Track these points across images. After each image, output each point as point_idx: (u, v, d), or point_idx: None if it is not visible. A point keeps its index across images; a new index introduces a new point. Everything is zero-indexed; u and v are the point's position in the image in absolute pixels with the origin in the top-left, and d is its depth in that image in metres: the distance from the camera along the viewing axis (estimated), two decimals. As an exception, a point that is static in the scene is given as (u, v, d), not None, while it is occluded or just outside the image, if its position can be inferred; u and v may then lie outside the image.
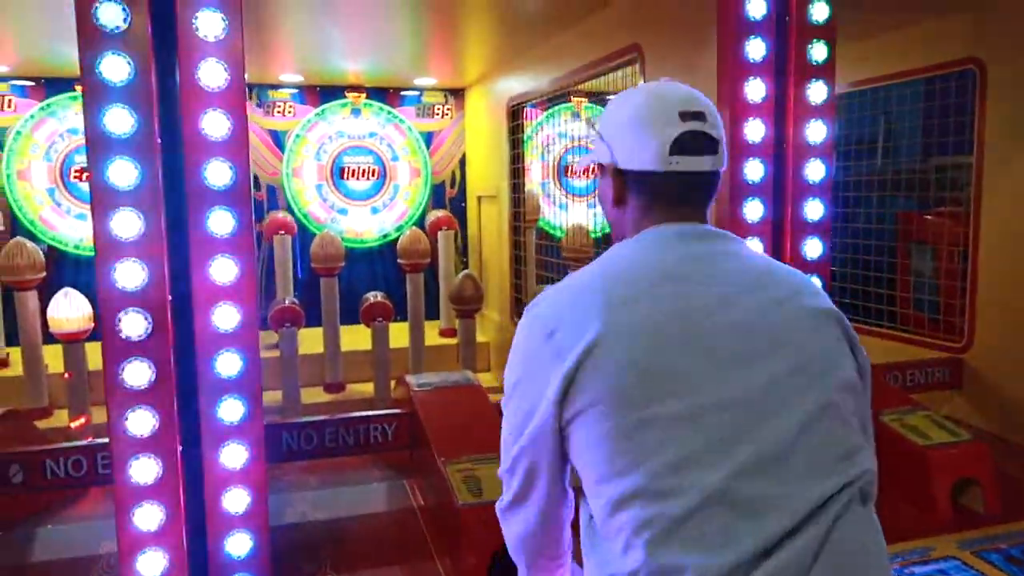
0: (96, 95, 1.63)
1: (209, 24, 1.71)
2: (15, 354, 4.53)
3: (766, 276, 1.14)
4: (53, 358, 4.22)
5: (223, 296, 1.77)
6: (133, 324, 1.69)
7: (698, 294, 1.08)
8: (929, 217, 4.08)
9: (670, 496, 0.97)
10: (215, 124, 1.73)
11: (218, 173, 1.74)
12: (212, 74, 1.72)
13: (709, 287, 1.09)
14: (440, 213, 6.03)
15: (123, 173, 1.66)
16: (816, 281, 1.26)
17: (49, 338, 4.09)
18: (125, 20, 1.64)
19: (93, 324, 3.93)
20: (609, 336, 1.03)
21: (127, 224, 1.67)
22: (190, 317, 1.75)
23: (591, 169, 1.29)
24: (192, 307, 1.76)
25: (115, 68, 1.63)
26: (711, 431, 0.99)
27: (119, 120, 1.65)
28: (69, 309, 3.92)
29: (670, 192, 1.18)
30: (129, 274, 1.68)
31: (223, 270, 1.76)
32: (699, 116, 1.16)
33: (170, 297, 1.73)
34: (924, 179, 4.03)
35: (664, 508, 0.96)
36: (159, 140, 1.70)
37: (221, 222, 1.75)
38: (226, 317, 1.77)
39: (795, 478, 0.99)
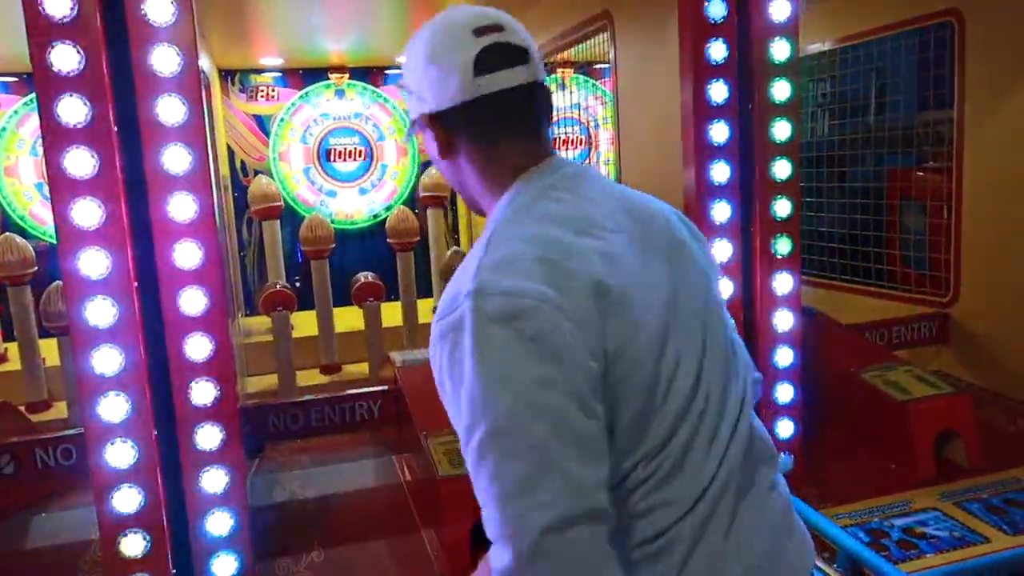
0: (47, 85, 1.64)
1: (158, 9, 1.71)
2: (12, 349, 4.58)
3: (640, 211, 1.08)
4: (49, 351, 4.27)
5: (188, 280, 1.78)
6: (100, 311, 1.71)
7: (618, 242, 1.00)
8: (918, 173, 4.06)
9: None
10: (170, 109, 1.74)
11: (176, 158, 1.75)
12: (164, 60, 1.72)
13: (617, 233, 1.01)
14: (429, 181, 6.00)
15: (80, 162, 1.67)
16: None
17: (45, 332, 4.13)
18: (73, 9, 1.64)
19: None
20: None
21: (88, 213, 1.68)
22: (157, 302, 1.77)
23: (415, 134, 1.14)
24: (158, 292, 1.78)
25: (65, 58, 1.64)
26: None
27: (73, 110, 1.65)
28: (62, 302, 3.95)
29: (494, 120, 1.05)
30: (93, 262, 1.70)
31: (187, 254, 1.78)
32: (495, 28, 1.04)
33: (136, 283, 1.75)
34: (913, 134, 4.01)
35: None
36: (115, 128, 1.70)
37: (182, 207, 1.76)
38: (192, 301, 1.79)
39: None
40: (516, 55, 1.05)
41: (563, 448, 0.85)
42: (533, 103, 1.08)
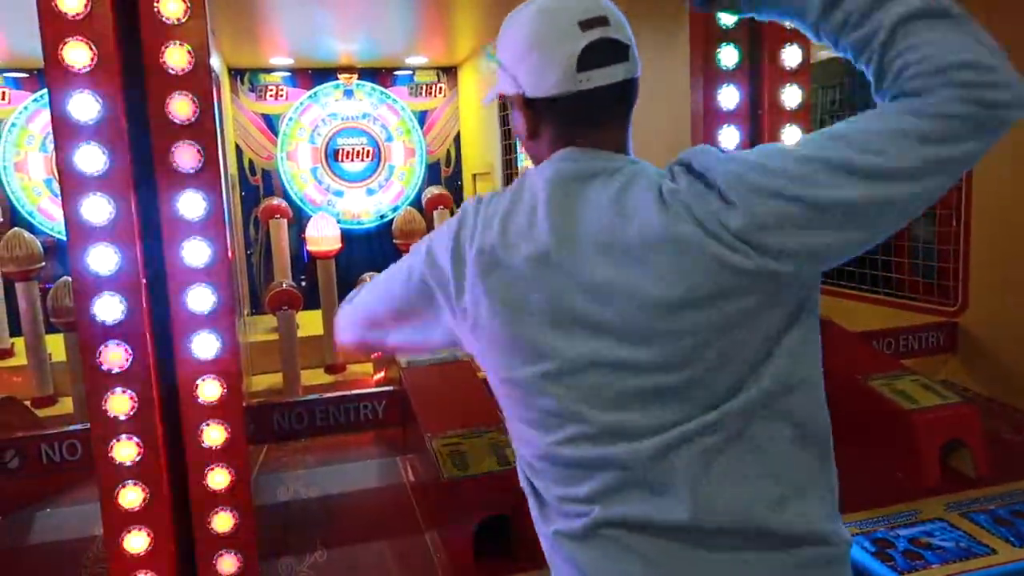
0: (59, 82, 1.64)
1: (171, 7, 1.71)
2: (19, 344, 4.59)
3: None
4: (56, 347, 4.28)
5: (197, 278, 1.78)
6: (108, 308, 1.71)
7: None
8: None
9: None
10: (182, 107, 1.74)
11: (187, 156, 1.75)
12: (177, 57, 1.72)
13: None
14: (436, 190, 6.03)
15: (91, 158, 1.67)
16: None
17: (51, 327, 4.15)
18: (86, 6, 1.64)
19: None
20: None
21: (97, 209, 1.69)
22: (165, 300, 1.77)
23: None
24: (167, 290, 1.78)
25: (78, 54, 1.64)
26: None
27: (84, 106, 1.66)
28: (70, 298, 3.97)
29: (586, 113, 1.06)
30: (102, 259, 1.70)
31: (196, 252, 1.78)
32: (601, 21, 1.03)
33: (144, 280, 1.75)
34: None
35: None
36: (126, 125, 1.71)
37: (192, 204, 1.76)
38: (201, 299, 1.79)
39: None
40: (618, 52, 1.04)
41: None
42: (627, 99, 1.09)
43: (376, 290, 1.37)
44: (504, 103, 1.17)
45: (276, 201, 5.79)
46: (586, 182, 1.05)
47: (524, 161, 5.50)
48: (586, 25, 1.02)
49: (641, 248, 0.99)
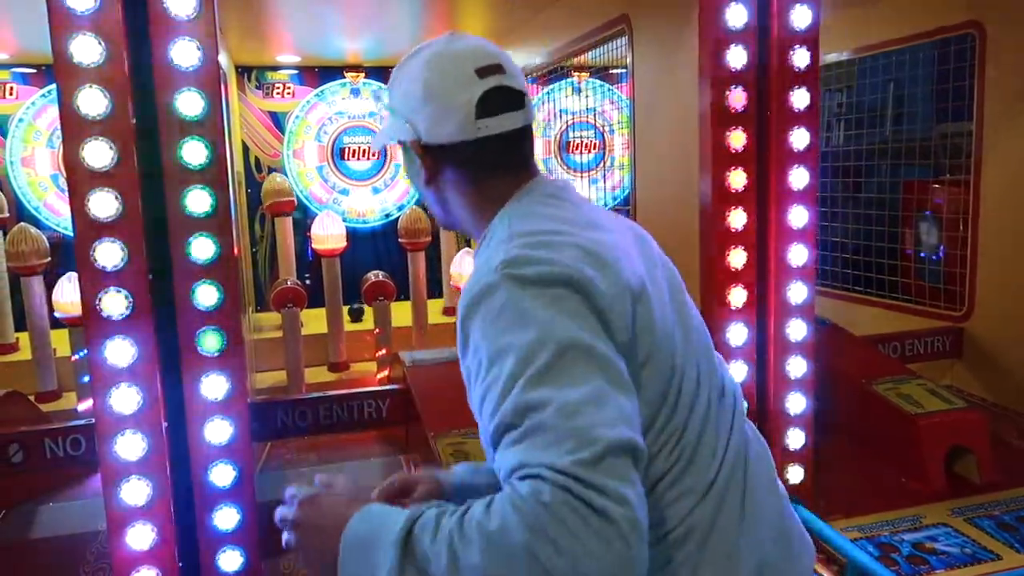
0: (68, 76, 1.64)
1: (180, 3, 1.71)
2: (24, 338, 4.60)
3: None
4: (60, 342, 4.29)
5: (203, 274, 1.78)
6: (114, 303, 1.71)
7: None
8: (934, 185, 4.04)
9: None
10: (189, 103, 1.74)
11: (194, 152, 1.75)
12: (185, 54, 1.73)
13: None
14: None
15: (98, 154, 1.67)
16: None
17: (56, 322, 4.16)
18: (95, 1, 1.65)
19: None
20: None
21: (104, 204, 1.69)
22: (171, 295, 1.77)
23: (386, 148, 1.17)
24: (173, 285, 1.78)
25: (86, 49, 1.64)
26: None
27: (92, 101, 1.66)
28: (74, 293, 3.99)
29: (488, 160, 1.07)
30: (108, 254, 1.70)
31: (202, 248, 1.78)
32: (497, 69, 1.04)
33: (150, 276, 1.75)
34: (930, 147, 3.98)
35: None
36: (134, 120, 1.71)
37: (199, 201, 1.76)
38: (206, 295, 1.79)
39: None
40: (515, 99, 1.06)
41: (611, 386, 0.83)
42: (526, 143, 1.10)
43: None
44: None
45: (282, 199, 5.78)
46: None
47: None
48: (483, 72, 1.03)
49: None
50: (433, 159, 1.08)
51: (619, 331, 0.89)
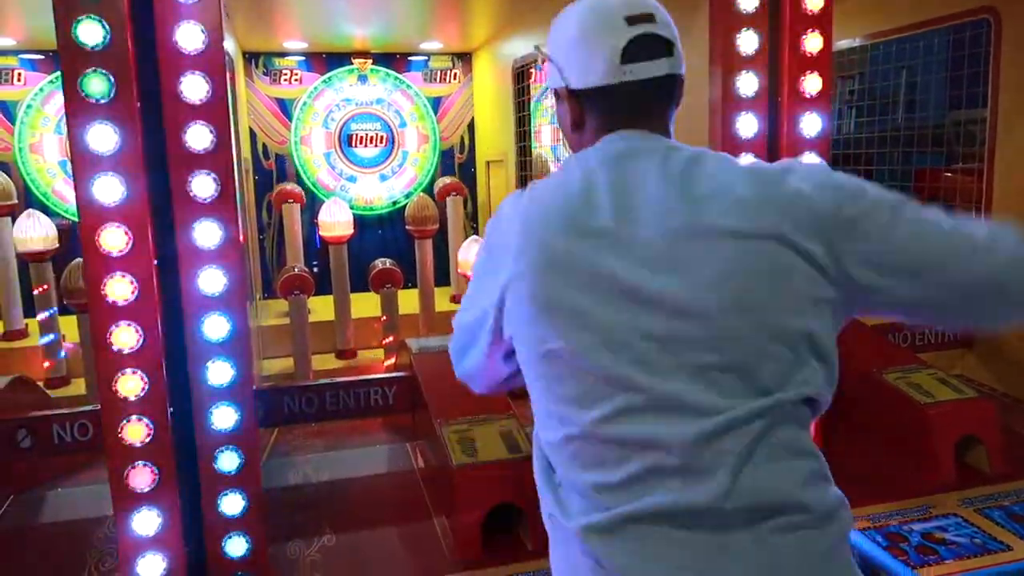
0: (72, 60, 1.63)
1: (184, -15, 1.70)
2: (33, 325, 4.62)
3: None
4: (69, 328, 4.31)
5: (208, 260, 1.77)
6: (119, 288, 1.71)
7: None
8: (946, 174, 3.99)
9: None
10: (194, 87, 1.72)
11: (199, 136, 1.74)
12: (189, 37, 1.71)
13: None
14: (448, 179, 6.02)
15: (103, 138, 1.66)
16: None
17: (65, 308, 4.17)
18: (99, -17, 1.63)
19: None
20: None
21: (109, 189, 1.68)
22: (176, 281, 1.77)
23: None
24: (178, 271, 1.77)
25: (90, 32, 1.63)
26: None
27: (96, 84, 1.64)
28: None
29: (627, 104, 1.10)
30: (113, 239, 1.69)
31: (207, 234, 1.77)
32: (647, 18, 1.08)
33: (155, 261, 1.74)
34: (943, 134, 3.93)
35: None
36: (138, 104, 1.70)
37: (203, 185, 1.75)
38: (212, 280, 1.78)
39: None
40: (662, 47, 1.09)
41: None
42: (669, 94, 1.13)
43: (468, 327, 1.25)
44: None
45: (289, 186, 5.79)
46: (640, 158, 1.08)
47: (537, 148, 5.47)
48: (632, 20, 1.07)
49: (713, 228, 1.01)
50: (579, 105, 1.13)
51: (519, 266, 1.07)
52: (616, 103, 1.11)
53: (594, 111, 1.13)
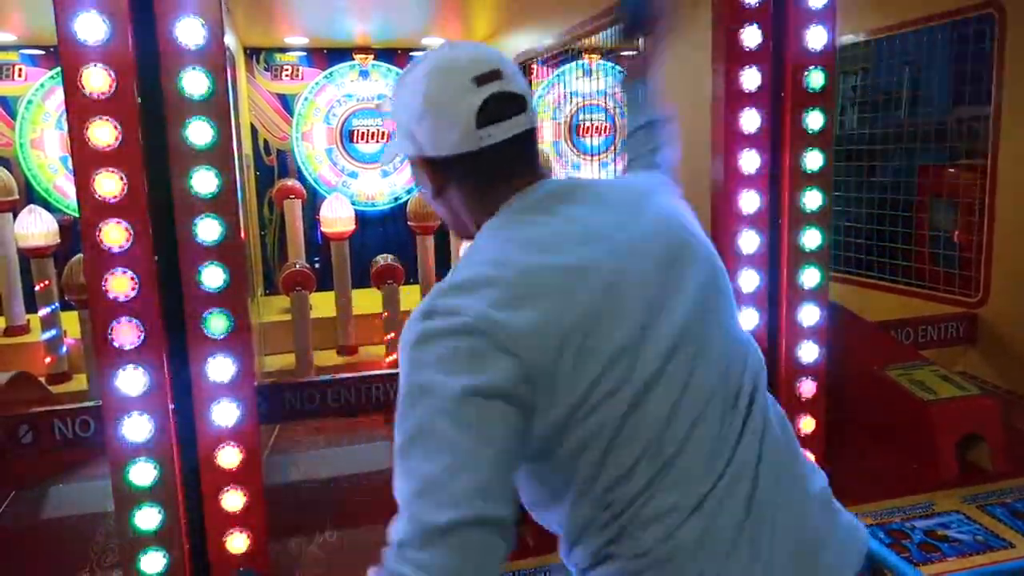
0: (72, 56, 1.62)
1: (185, -20, 1.69)
2: (34, 320, 4.62)
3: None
4: (71, 324, 4.30)
5: (209, 256, 1.77)
6: (120, 284, 1.70)
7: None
8: (950, 170, 3.98)
9: None
10: (195, 83, 1.72)
11: (199, 132, 1.73)
12: (190, 32, 1.70)
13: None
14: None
15: (103, 133, 1.66)
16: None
17: (66, 305, 4.17)
18: (99, -22, 1.62)
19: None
20: None
21: (110, 185, 1.67)
22: (177, 277, 1.76)
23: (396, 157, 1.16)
24: (179, 267, 1.77)
25: (90, 27, 1.62)
26: None
27: (97, 80, 1.64)
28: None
29: (494, 168, 1.04)
30: (113, 234, 1.69)
31: (208, 229, 1.76)
32: (495, 75, 1.02)
33: (156, 257, 1.74)
34: (946, 130, 3.92)
35: None
36: (139, 99, 1.69)
37: (204, 181, 1.75)
38: (213, 276, 1.78)
39: None
40: (516, 104, 1.03)
41: (475, 452, 0.87)
42: (529, 148, 1.07)
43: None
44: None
45: (291, 182, 5.77)
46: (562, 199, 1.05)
47: (540, 145, 5.44)
48: (481, 80, 1.01)
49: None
50: (439, 173, 1.07)
51: (535, 366, 0.90)
52: (479, 169, 1.05)
53: (456, 178, 1.07)
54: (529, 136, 1.07)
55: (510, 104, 1.03)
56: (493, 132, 1.01)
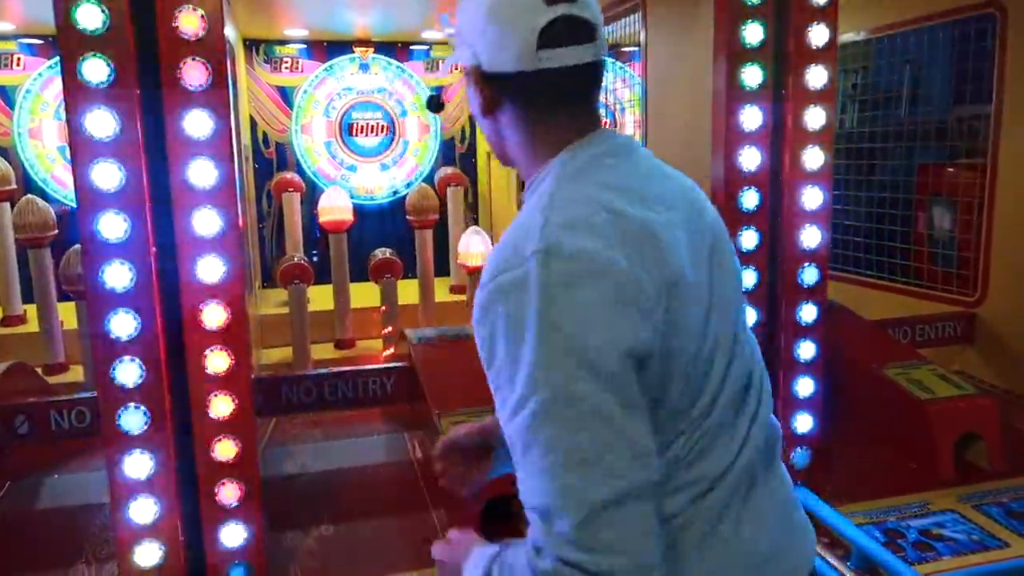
0: (71, 45, 1.61)
1: (185, -30, 1.68)
2: (31, 311, 4.61)
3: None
4: (68, 314, 4.29)
5: (206, 248, 1.76)
6: (117, 275, 1.70)
7: None
8: (949, 169, 3.97)
9: None
10: (194, 73, 1.71)
11: (198, 123, 1.72)
12: (189, 23, 1.69)
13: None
14: (449, 169, 5.99)
15: (102, 123, 1.65)
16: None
17: (63, 295, 4.16)
18: (99, -33, 1.61)
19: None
20: None
21: (107, 175, 1.66)
22: (174, 269, 1.76)
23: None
24: (176, 259, 1.76)
25: (89, 16, 1.61)
26: None
27: (96, 69, 1.63)
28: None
29: (551, 96, 0.97)
30: (111, 225, 1.68)
31: (206, 222, 1.75)
32: None
33: (153, 249, 1.73)
34: (946, 129, 3.91)
35: None
36: (138, 90, 1.68)
37: (203, 173, 1.74)
38: (210, 269, 1.77)
39: None
40: (585, 31, 0.96)
41: (627, 416, 0.82)
42: (592, 82, 1.01)
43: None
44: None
45: (289, 175, 5.77)
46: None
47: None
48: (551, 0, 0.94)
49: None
50: (492, 88, 1.00)
51: (652, 322, 0.86)
52: (533, 93, 0.97)
53: (508, 98, 1.00)
54: (593, 71, 0.99)
55: (578, 30, 0.95)
56: (553, 56, 0.94)
